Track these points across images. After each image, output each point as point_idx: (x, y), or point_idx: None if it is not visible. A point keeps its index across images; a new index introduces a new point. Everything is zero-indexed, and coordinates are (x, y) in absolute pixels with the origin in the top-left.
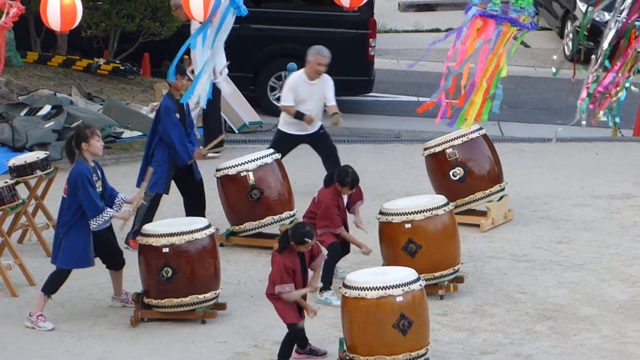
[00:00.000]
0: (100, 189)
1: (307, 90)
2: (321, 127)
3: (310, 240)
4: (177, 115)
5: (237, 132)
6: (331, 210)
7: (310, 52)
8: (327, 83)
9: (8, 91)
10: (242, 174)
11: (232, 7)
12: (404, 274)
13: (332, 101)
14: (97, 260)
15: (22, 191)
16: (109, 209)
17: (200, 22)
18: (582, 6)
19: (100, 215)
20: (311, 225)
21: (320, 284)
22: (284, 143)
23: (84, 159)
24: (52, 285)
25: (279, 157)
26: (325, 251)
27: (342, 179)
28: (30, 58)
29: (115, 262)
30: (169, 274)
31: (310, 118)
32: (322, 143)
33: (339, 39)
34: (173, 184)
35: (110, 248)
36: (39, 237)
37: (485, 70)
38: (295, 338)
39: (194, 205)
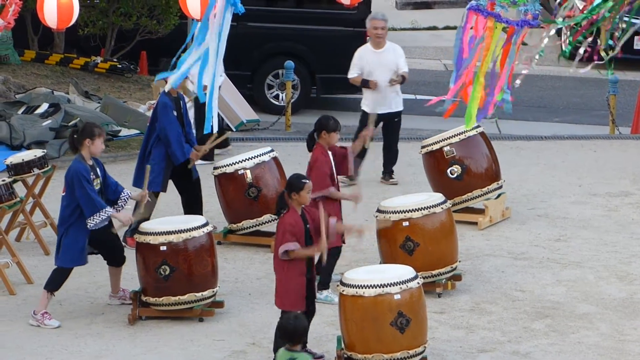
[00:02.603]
0: (99, 187)
1: (374, 60)
2: (398, 115)
3: (307, 180)
4: (175, 113)
5: (234, 130)
6: (323, 169)
7: (367, 20)
8: (396, 51)
9: (5, 89)
10: (239, 172)
11: (229, 4)
12: (402, 272)
13: (403, 68)
14: (95, 259)
15: (20, 189)
16: (108, 208)
17: (198, 20)
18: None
19: (98, 213)
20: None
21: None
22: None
23: (82, 157)
24: (54, 283)
25: (276, 155)
26: (334, 219)
27: (325, 125)
28: (28, 56)
29: (116, 259)
30: (167, 272)
31: (374, 83)
32: (390, 129)
33: (336, 37)
34: (170, 182)
35: (113, 245)
36: (37, 235)
37: (481, 65)
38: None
39: (192, 204)
